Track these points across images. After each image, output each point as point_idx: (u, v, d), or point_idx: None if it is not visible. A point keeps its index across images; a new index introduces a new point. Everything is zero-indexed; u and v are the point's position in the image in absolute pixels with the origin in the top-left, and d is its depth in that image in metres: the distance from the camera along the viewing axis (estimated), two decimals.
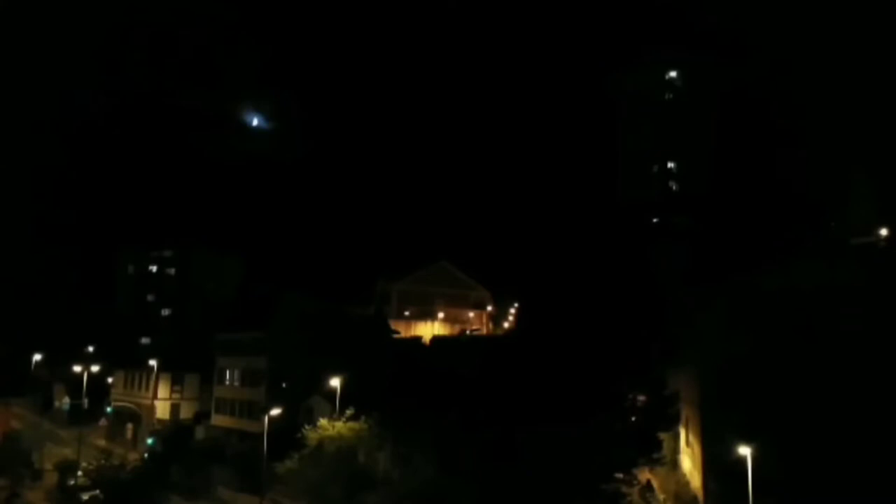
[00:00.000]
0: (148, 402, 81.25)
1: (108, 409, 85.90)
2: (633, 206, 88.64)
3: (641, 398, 45.17)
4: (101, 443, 77.56)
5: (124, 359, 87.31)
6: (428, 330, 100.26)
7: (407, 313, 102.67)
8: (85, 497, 56.04)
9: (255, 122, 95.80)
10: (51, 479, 62.73)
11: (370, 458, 47.95)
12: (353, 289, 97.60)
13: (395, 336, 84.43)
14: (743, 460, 33.50)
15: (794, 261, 40.76)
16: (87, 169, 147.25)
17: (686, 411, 45.49)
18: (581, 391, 41.12)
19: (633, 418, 44.26)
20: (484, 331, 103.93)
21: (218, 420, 75.20)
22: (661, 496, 44.46)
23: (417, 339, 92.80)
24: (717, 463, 36.59)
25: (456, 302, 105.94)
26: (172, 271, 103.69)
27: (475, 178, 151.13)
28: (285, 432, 51.20)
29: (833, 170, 75.79)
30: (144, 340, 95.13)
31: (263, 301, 76.30)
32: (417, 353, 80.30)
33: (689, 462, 45.23)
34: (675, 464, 47.26)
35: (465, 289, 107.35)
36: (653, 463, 44.01)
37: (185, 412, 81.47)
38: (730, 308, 38.67)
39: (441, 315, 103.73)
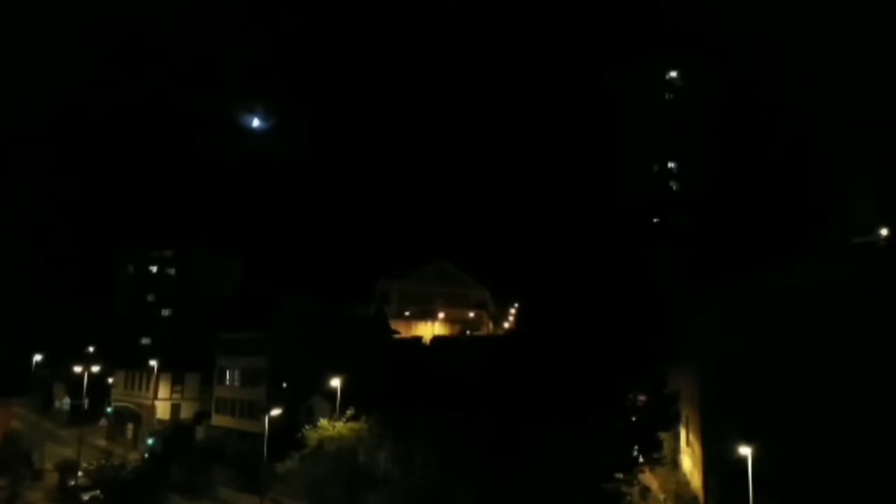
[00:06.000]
0: (148, 402, 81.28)
1: (109, 410, 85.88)
2: (634, 206, 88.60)
3: (642, 398, 45.18)
4: (102, 443, 77.60)
5: (124, 359, 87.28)
6: (428, 330, 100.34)
7: (407, 313, 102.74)
8: (85, 497, 55.98)
9: (255, 122, 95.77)
10: (51, 479, 62.69)
11: (370, 457, 47.98)
12: (353, 289, 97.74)
13: (396, 336, 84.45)
14: (743, 460, 33.52)
15: (794, 261, 40.74)
16: (87, 168, 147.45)
17: (686, 411, 45.53)
18: (581, 391, 41.12)
19: (634, 418, 44.26)
20: (484, 331, 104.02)
21: (218, 420, 75.24)
22: (662, 496, 44.49)
23: (418, 339, 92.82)
24: (718, 462, 36.64)
25: (456, 302, 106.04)
26: (172, 271, 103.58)
27: (475, 178, 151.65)
28: (285, 432, 51.22)
29: (833, 169, 75.78)
30: (144, 340, 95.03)
31: (263, 301, 76.29)
32: (418, 353, 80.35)
33: (689, 461, 45.26)
34: (675, 463, 47.29)
35: (465, 288, 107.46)
36: (653, 462, 44.03)
37: (186, 412, 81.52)
38: (730, 308, 38.68)
39: (441, 315, 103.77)
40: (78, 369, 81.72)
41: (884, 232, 60.69)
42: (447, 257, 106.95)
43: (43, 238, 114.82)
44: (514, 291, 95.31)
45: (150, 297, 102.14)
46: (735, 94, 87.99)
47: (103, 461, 60.29)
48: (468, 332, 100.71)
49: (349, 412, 49.38)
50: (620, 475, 40.66)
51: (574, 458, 38.89)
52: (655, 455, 43.70)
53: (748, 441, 33.62)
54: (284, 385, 65.68)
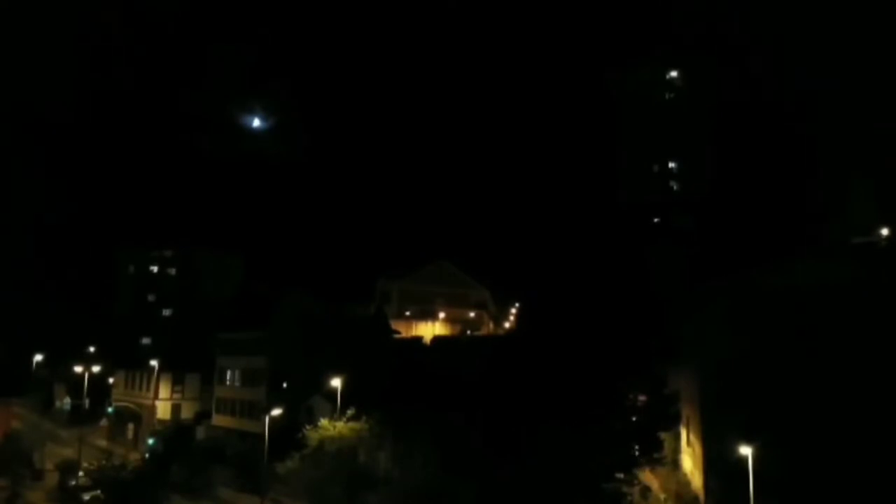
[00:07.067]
0: (149, 402, 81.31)
1: (109, 410, 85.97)
2: (634, 206, 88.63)
3: (642, 398, 45.21)
4: (102, 443, 77.64)
5: (125, 359, 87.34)
6: (429, 330, 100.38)
7: (408, 313, 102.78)
8: (86, 497, 56.05)
9: (255, 121, 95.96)
10: (52, 479, 62.75)
11: (371, 457, 47.95)
12: (353, 289, 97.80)
13: (396, 336, 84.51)
14: (744, 460, 33.55)
15: (794, 261, 40.76)
16: (87, 168, 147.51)
17: (687, 411, 45.55)
18: (581, 391, 41.15)
19: (634, 418, 44.30)
20: (485, 331, 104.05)
21: (219, 420, 75.28)
22: (662, 496, 44.50)
23: (418, 339, 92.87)
24: (718, 462, 36.65)
25: (456, 302, 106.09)
26: (172, 271, 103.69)
27: (475, 178, 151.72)
28: (286, 432, 51.25)
29: (833, 169, 75.82)
30: (145, 340, 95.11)
31: (263, 301, 76.33)
32: (418, 353, 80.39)
33: (690, 461, 45.28)
34: (676, 463, 47.29)
35: (466, 288, 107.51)
36: (654, 462, 44.04)
37: (186, 412, 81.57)
38: (730, 307, 38.70)
39: (442, 315, 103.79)
40: (78, 369, 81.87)
41: (884, 232, 60.70)
42: (447, 257, 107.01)
43: (43, 238, 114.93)
44: (514, 291, 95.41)
45: (151, 297, 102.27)
46: (735, 94, 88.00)
47: (104, 461, 60.35)
48: (468, 331, 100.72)
49: (350, 412, 49.38)
50: (621, 475, 40.69)
51: (574, 458, 38.90)
52: (656, 455, 43.70)
53: (748, 441, 33.65)
54: (285, 385, 65.70)
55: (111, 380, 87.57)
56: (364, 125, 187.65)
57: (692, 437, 43.92)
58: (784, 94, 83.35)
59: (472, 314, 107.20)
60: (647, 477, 45.01)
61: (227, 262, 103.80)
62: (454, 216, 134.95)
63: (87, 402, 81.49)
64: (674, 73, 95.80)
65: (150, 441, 71.73)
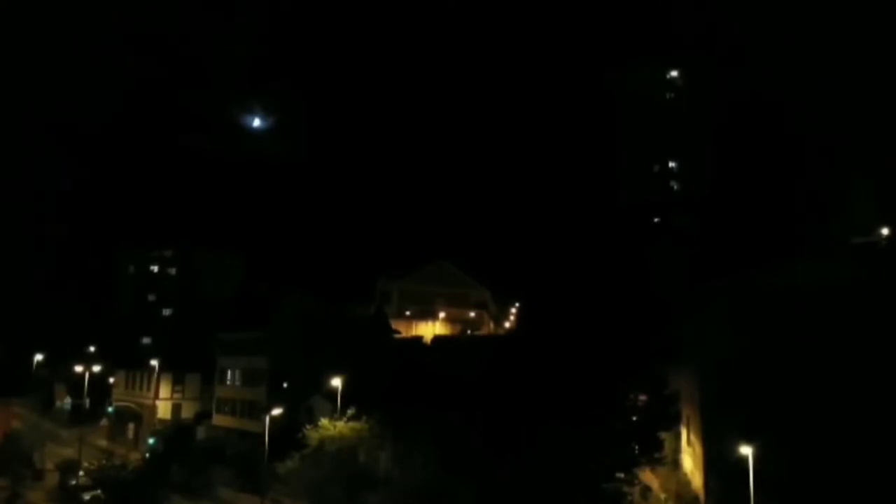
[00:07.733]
0: (149, 402, 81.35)
1: (110, 409, 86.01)
2: (634, 206, 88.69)
3: (642, 398, 45.23)
4: (103, 443, 77.72)
5: (125, 359, 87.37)
6: (429, 330, 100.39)
7: (408, 313, 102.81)
8: (86, 497, 56.11)
9: (255, 121, 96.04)
10: (52, 479, 62.80)
11: (371, 457, 48.00)
12: (353, 289, 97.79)
13: (396, 336, 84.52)
14: (744, 459, 33.57)
15: (794, 261, 40.77)
16: (87, 169, 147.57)
17: (687, 410, 45.57)
18: (581, 391, 41.20)
19: (634, 418, 44.34)
20: (485, 330, 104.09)
21: (219, 420, 75.32)
22: (663, 495, 44.54)
23: (418, 339, 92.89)
24: (719, 462, 36.66)
25: (456, 301, 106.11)
26: (173, 271, 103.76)
27: (475, 178, 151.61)
28: (286, 432, 51.28)
29: (833, 169, 75.87)
30: (145, 340, 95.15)
31: (263, 301, 76.38)
32: (418, 353, 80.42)
33: (690, 461, 45.30)
34: (676, 463, 47.32)
35: (466, 288, 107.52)
36: (654, 462, 44.06)
37: (187, 412, 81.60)
38: (730, 307, 38.70)
39: (442, 315, 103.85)
40: (79, 369, 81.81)
41: (884, 232, 60.71)
42: (447, 257, 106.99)
43: (43, 238, 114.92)
44: (514, 291, 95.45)
45: (151, 297, 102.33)
46: (735, 94, 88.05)
47: (104, 461, 60.43)
48: (468, 331, 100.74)
49: (350, 412, 49.40)
50: (621, 475, 40.72)
51: (574, 458, 38.96)
52: (656, 455, 43.73)
53: (748, 441, 33.66)
54: (285, 385, 65.75)
55: (111, 380, 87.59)
56: (364, 125, 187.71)
57: (692, 436, 43.94)
58: (784, 94, 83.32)
59: (472, 314, 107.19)
60: (648, 477, 45.02)
61: (227, 262, 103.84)
62: (454, 216, 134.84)
63: (87, 401, 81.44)
64: (674, 73, 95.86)
65: (151, 441, 71.76)
